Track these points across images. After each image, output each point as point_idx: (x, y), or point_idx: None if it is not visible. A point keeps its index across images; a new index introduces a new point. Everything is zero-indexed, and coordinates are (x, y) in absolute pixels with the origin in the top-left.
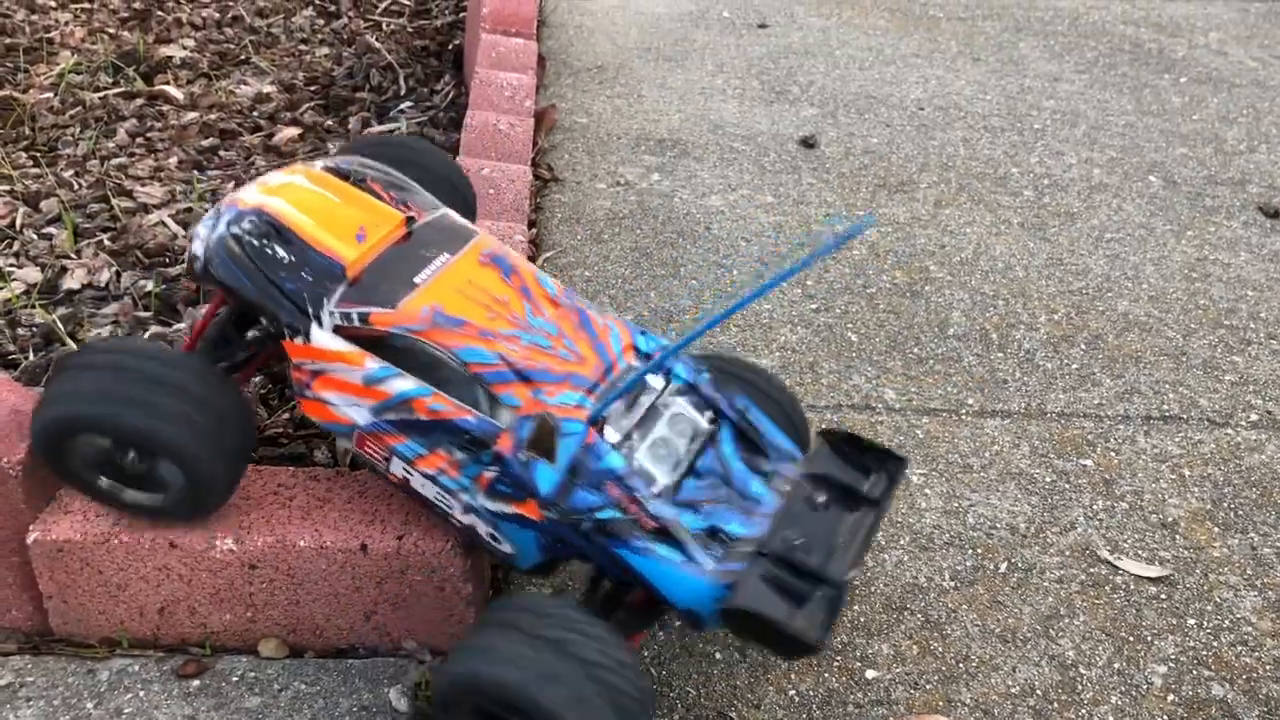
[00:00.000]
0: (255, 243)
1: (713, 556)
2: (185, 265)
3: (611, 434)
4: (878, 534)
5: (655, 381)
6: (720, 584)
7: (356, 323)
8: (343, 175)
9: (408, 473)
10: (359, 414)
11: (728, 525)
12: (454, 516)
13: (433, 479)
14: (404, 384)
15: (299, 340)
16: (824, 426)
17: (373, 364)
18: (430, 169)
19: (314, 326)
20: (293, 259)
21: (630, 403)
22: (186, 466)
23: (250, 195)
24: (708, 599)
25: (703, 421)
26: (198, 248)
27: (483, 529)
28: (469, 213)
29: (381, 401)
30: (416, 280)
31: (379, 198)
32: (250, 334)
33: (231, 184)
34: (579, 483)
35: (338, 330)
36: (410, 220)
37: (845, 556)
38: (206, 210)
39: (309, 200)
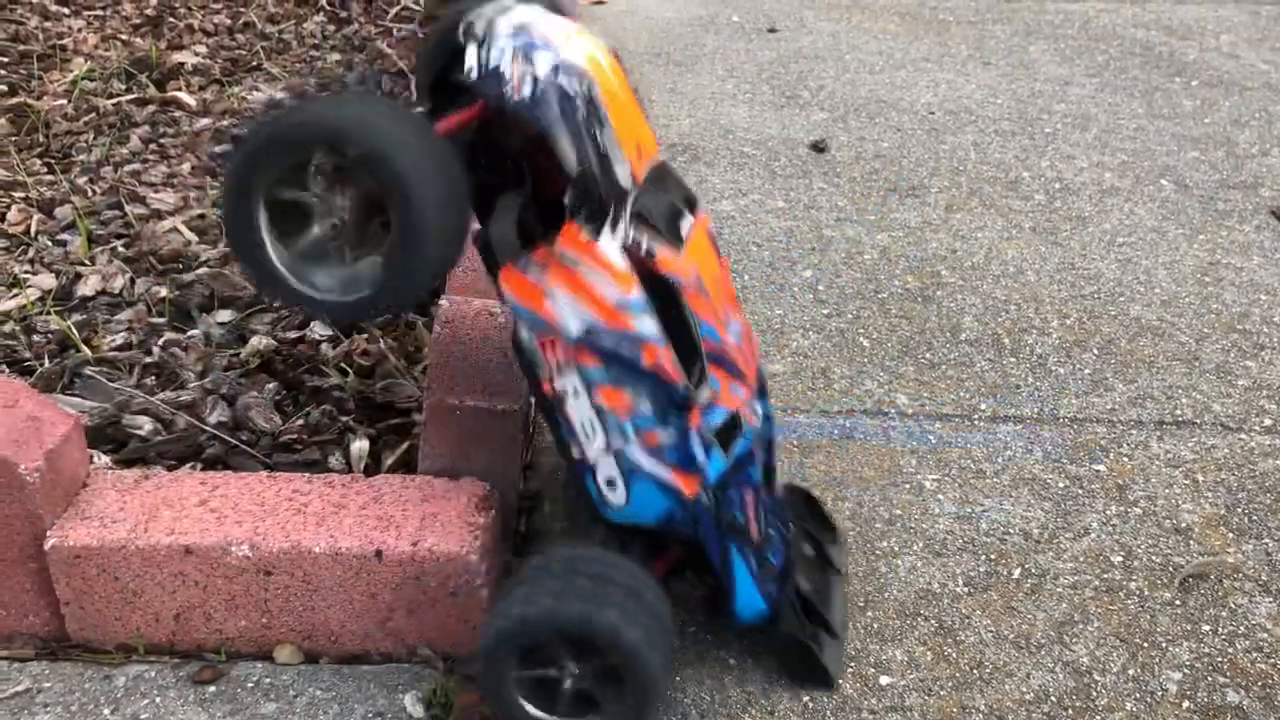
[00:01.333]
0: (584, 112)
1: (769, 578)
2: (476, 69)
3: None
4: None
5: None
6: (769, 605)
7: (644, 253)
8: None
9: (576, 392)
10: (574, 322)
11: (768, 551)
12: (583, 445)
13: (599, 410)
14: (650, 326)
15: (583, 233)
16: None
17: (638, 294)
18: None
19: (606, 229)
20: (604, 153)
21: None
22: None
23: (572, 52)
24: (759, 616)
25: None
26: (518, 70)
27: (606, 472)
28: None
29: (617, 329)
30: (682, 232)
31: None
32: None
33: None
34: (733, 481)
35: (625, 249)
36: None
37: (839, 616)
38: (481, 25)
39: (613, 92)
